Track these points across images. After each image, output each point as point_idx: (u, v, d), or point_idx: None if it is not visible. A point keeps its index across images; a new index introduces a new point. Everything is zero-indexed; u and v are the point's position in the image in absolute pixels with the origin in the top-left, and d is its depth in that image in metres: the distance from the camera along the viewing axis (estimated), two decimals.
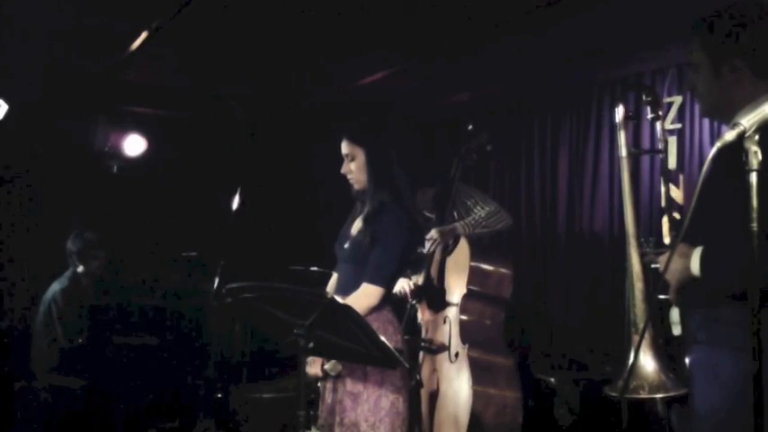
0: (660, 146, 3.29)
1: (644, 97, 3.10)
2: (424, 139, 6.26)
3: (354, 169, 3.03)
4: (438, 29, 4.26)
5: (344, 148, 3.05)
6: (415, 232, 3.15)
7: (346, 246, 3.04)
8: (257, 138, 6.15)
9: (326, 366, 2.88)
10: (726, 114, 2.09)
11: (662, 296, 2.26)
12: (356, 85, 5.45)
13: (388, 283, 2.95)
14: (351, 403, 2.85)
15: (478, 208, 3.97)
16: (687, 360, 2.16)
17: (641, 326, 2.64)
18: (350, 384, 2.86)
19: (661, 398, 2.65)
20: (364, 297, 2.87)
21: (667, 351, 2.70)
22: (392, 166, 3.04)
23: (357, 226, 3.06)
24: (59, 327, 4.68)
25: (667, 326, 2.59)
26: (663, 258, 2.15)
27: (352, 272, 2.97)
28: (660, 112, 3.10)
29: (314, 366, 2.93)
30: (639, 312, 2.66)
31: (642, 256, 2.73)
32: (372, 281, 2.89)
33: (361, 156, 3.01)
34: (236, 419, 4.97)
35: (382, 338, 2.40)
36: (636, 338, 2.65)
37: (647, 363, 2.61)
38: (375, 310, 2.89)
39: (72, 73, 5.11)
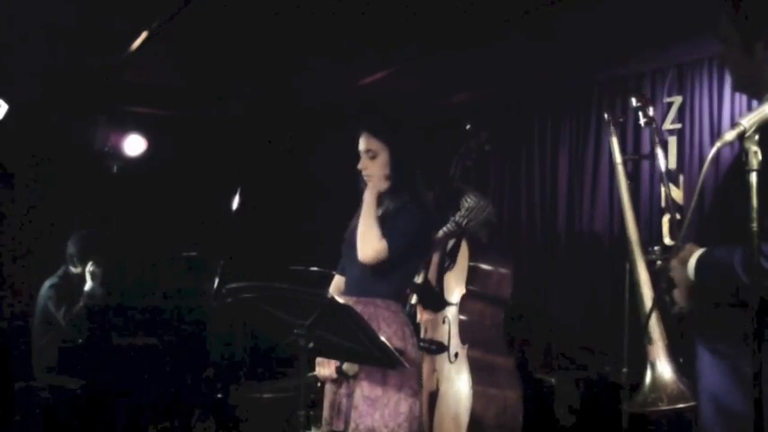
0: (657, 150, 3.22)
1: (634, 102, 3.03)
2: (423, 140, 6.26)
3: (375, 167, 2.90)
4: (438, 29, 4.26)
5: (366, 143, 2.90)
6: (432, 231, 3.11)
7: None
8: (257, 138, 6.14)
9: (344, 367, 2.78)
10: (759, 91, 2.01)
11: (677, 306, 2.15)
12: (356, 85, 5.45)
13: (393, 253, 2.82)
14: (367, 408, 2.74)
15: (462, 204, 3.95)
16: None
17: (654, 336, 2.52)
18: (367, 389, 2.76)
19: (682, 408, 2.53)
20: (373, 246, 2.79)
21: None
22: (414, 165, 2.93)
23: None
24: (60, 317, 4.69)
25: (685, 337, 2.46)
26: (673, 264, 2.05)
27: (365, 273, 2.86)
28: (651, 113, 3.03)
29: (327, 368, 2.84)
30: (652, 322, 2.53)
31: (650, 264, 2.60)
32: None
33: (384, 153, 2.89)
34: (235, 419, 4.97)
35: (382, 338, 2.40)
36: (650, 349, 2.52)
37: (665, 373, 2.48)
38: (393, 312, 2.85)
39: (72, 73, 5.11)
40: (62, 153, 5.56)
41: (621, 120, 3.01)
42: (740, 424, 1.78)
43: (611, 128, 2.91)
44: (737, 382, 1.86)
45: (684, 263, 1.97)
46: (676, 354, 2.59)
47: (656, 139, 3.29)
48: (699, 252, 1.95)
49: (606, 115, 2.93)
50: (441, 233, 3.87)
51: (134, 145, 5.79)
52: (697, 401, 2.05)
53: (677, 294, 2.04)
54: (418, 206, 2.88)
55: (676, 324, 2.52)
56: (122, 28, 4.29)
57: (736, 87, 2.21)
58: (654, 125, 3.18)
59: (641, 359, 2.64)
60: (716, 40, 2.10)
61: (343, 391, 2.85)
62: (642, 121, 3.00)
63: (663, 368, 2.49)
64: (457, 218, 3.91)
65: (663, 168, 3.41)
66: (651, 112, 3.06)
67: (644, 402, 2.50)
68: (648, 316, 2.50)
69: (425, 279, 3.92)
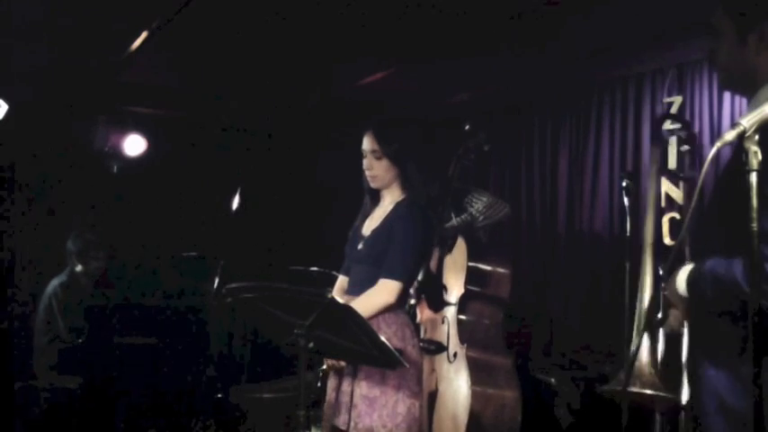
0: (702, 172, 3.36)
1: (682, 135, 3.16)
2: (423, 140, 6.25)
3: (380, 167, 2.90)
4: (438, 29, 4.26)
5: (371, 143, 2.90)
6: (431, 232, 3.12)
7: (360, 246, 2.95)
8: (257, 138, 6.14)
9: None
10: (747, 87, 1.98)
11: (668, 325, 2.14)
12: (356, 86, 5.45)
13: (406, 282, 2.87)
14: (366, 408, 2.76)
15: (474, 201, 3.94)
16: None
17: (644, 330, 2.58)
18: (366, 388, 2.78)
19: (650, 395, 2.62)
20: (382, 293, 2.80)
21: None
22: (421, 167, 2.95)
23: (370, 225, 2.99)
24: (62, 320, 4.70)
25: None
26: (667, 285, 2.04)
27: (367, 272, 2.88)
28: (694, 135, 3.18)
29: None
30: (645, 319, 2.60)
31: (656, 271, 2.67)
32: (390, 275, 2.80)
33: (390, 155, 2.90)
34: (236, 419, 4.97)
35: (382, 338, 2.40)
36: (636, 340, 2.61)
37: (642, 359, 2.58)
38: (393, 310, 2.83)
39: (72, 73, 5.11)
40: (62, 153, 5.57)
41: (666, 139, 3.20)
42: (745, 423, 1.78)
43: (656, 141, 3.05)
44: (739, 386, 1.85)
45: (674, 280, 1.95)
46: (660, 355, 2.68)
47: (697, 161, 3.42)
48: (687, 268, 1.93)
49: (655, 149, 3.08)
50: (448, 226, 3.86)
51: (134, 145, 5.80)
52: (700, 405, 2.05)
53: (673, 314, 2.04)
54: (418, 205, 2.90)
55: (671, 341, 2.59)
56: (122, 28, 4.29)
57: (725, 85, 2.16)
58: (693, 146, 3.30)
59: (626, 348, 2.73)
60: (710, 33, 2.04)
61: (344, 389, 2.85)
62: (685, 148, 3.14)
63: (642, 356, 2.58)
64: (473, 212, 3.88)
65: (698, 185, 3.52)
66: (695, 142, 3.21)
67: (617, 383, 2.59)
68: (643, 329, 2.59)
69: (428, 273, 3.89)
